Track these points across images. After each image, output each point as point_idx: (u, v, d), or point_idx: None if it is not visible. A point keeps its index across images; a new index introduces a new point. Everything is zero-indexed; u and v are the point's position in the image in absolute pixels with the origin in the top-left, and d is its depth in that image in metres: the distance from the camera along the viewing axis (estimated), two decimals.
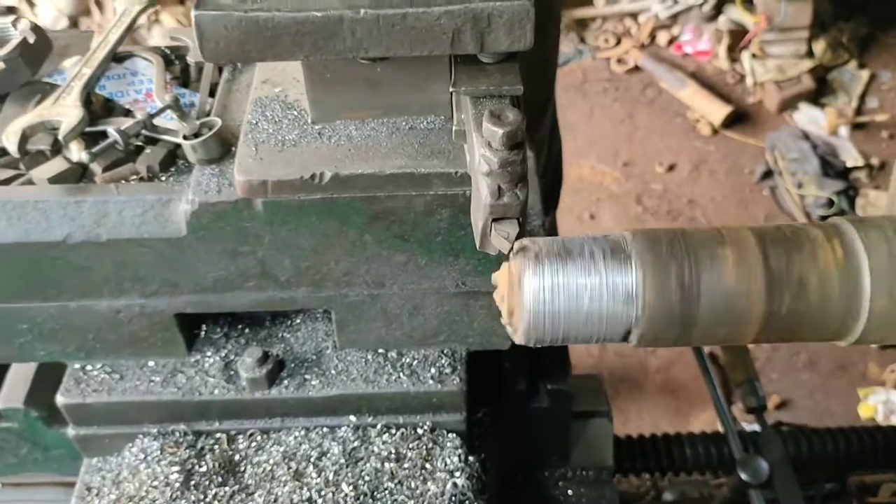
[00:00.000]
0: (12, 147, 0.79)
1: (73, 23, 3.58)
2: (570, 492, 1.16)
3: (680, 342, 0.55)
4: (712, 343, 0.56)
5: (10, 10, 0.95)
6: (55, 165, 0.82)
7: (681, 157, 3.31)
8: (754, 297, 0.52)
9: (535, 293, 0.55)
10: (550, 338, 0.56)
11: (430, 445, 0.93)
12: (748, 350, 1.45)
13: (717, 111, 3.34)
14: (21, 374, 1.07)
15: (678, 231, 0.55)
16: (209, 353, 0.94)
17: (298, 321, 0.97)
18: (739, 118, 3.40)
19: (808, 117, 3.33)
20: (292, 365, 0.93)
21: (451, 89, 0.70)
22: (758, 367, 2.58)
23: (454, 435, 0.94)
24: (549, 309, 0.55)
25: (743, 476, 1.23)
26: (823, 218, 2.85)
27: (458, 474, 0.90)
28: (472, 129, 0.66)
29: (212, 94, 0.90)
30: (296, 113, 0.81)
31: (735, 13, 3.49)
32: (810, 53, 3.40)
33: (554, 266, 0.55)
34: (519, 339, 0.57)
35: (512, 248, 0.59)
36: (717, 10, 3.56)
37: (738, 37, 3.49)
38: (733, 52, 3.53)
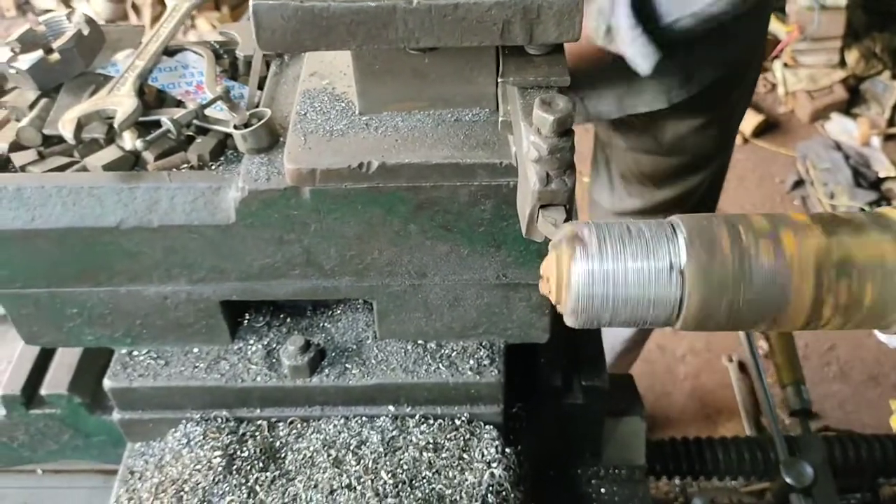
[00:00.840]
0: (68, 135, 0.82)
1: None
2: (602, 490, 1.16)
3: (726, 327, 0.56)
4: (758, 329, 0.56)
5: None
6: (109, 153, 0.84)
7: None
8: (805, 284, 0.53)
9: (583, 276, 0.56)
10: (597, 321, 0.57)
11: (468, 436, 0.94)
12: (797, 353, 1.44)
13: (749, 120, 3.32)
14: (65, 361, 1.09)
15: (727, 216, 0.56)
16: (252, 341, 0.96)
17: (339, 311, 0.99)
18: (770, 127, 3.39)
19: (841, 127, 3.31)
20: (333, 354, 0.95)
21: (499, 80, 0.71)
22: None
23: (491, 427, 0.95)
24: (596, 291, 0.56)
25: (787, 479, 1.23)
26: None
27: (495, 465, 0.91)
28: (521, 118, 0.67)
29: (260, 87, 0.92)
30: (343, 104, 0.82)
31: None
32: (843, 63, 3.38)
33: (601, 249, 0.56)
34: (569, 323, 0.58)
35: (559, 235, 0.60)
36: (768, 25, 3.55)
37: (770, 46, 3.48)
38: (765, 60, 3.52)
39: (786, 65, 3.43)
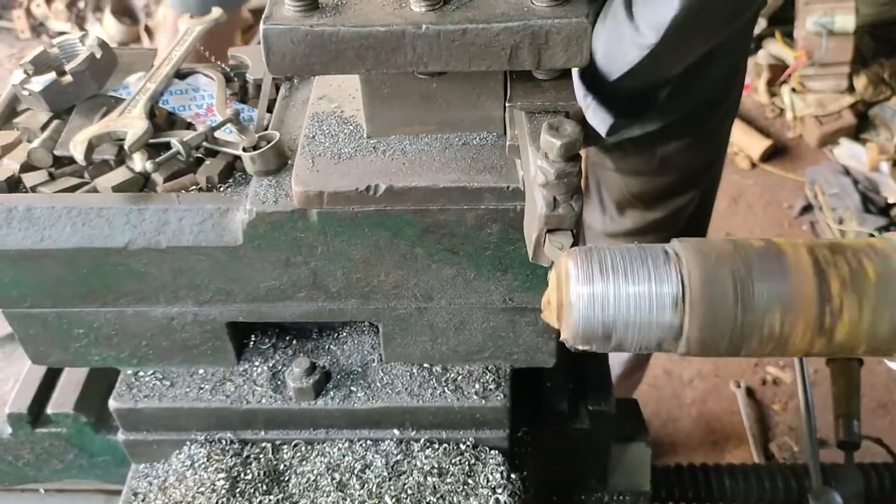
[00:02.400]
0: (79, 156, 0.82)
1: None
2: None
3: (728, 353, 0.56)
4: (761, 355, 0.56)
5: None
6: (119, 174, 0.85)
7: (719, 189, 3.30)
8: (806, 310, 0.52)
9: (584, 300, 0.56)
10: (601, 344, 0.57)
11: (473, 461, 0.93)
12: (859, 386, 1.43)
13: (757, 145, 3.32)
14: (72, 380, 1.09)
15: (728, 241, 0.56)
16: (257, 363, 0.96)
17: (345, 334, 0.99)
18: (779, 152, 3.38)
19: (849, 153, 3.30)
20: (338, 377, 0.95)
21: (506, 104, 0.71)
22: (796, 405, 2.54)
23: (496, 452, 0.94)
24: (596, 316, 0.56)
25: None
26: None
27: (500, 491, 0.90)
28: (528, 142, 0.67)
29: (269, 110, 0.93)
30: (351, 128, 0.83)
31: (775, 48, 3.48)
32: (851, 89, 3.38)
33: (602, 274, 0.56)
34: (571, 346, 0.57)
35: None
36: (757, 45, 3.56)
37: (778, 71, 3.48)
38: (773, 86, 3.52)
39: (794, 90, 3.43)
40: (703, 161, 1.59)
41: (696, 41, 1.04)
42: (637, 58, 1.01)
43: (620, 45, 1.03)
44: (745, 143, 3.36)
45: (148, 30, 3.71)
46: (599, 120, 1.16)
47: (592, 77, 1.11)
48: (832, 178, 3.14)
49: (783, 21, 3.41)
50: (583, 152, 1.60)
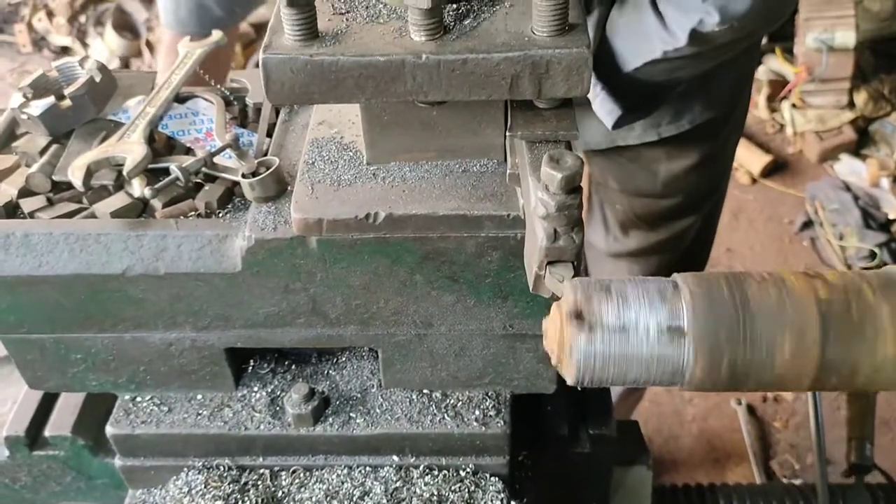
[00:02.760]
0: (77, 181, 0.82)
1: (125, 64, 3.70)
2: None
3: (731, 388, 0.55)
4: (765, 390, 0.56)
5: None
6: (117, 200, 0.84)
7: None
8: (810, 346, 0.52)
9: (585, 335, 0.55)
10: (600, 379, 0.56)
11: (473, 488, 0.92)
12: (874, 409, 1.42)
13: (757, 160, 3.32)
14: (70, 403, 1.09)
15: (731, 275, 0.55)
16: (256, 389, 0.95)
17: (344, 359, 0.98)
18: (779, 168, 3.38)
19: (849, 168, 3.30)
20: (337, 402, 0.94)
21: (507, 133, 0.71)
22: (797, 423, 2.53)
23: (496, 479, 0.94)
24: (598, 351, 0.55)
25: None
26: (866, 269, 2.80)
27: None
28: (529, 172, 0.67)
29: (269, 134, 0.93)
30: (351, 154, 0.82)
31: (775, 63, 3.49)
32: (851, 104, 3.38)
33: (604, 308, 0.55)
34: (570, 381, 0.57)
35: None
36: (758, 61, 3.57)
37: (778, 87, 3.49)
38: (773, 101, 3.53)
39: (794, 106, 3.44)
40: (707, 184, 1.58)
41: (722, 50, 1.04)
42: (660, 54, 1.01)
43: (644, 38, 1.03)
44: (745, 158, 3.36)
45: (149, 44, 3.72)
46: (606, 111, 1.15)
47: (606, 66, 1.10)
48: (832, 193, 3.13)
49: (783, 37, 3.41)
50: (586, 173, 1.61)
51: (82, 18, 3.88)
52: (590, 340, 0.54)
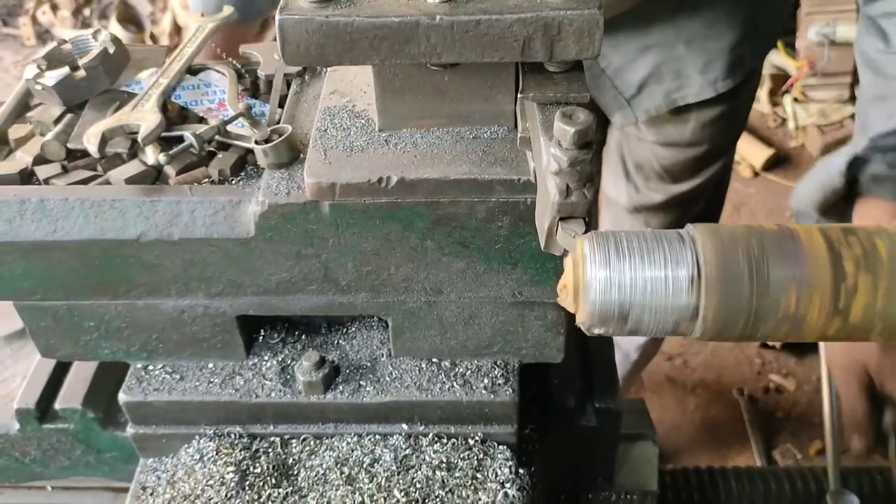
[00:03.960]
0: (93, 148, 0.83)
1: None
2: None
3: (743, 335, 0.56)
4: (776, 338, 0.57)
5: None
6: (132, 167, 0.85)
7: None
8: (822, 289, 0.53)
9: (600, 285, 0.56)
10: (617, 329, 0.57)
11: (481, 456, 0.93)
12: None
13: (759, 154, 3.34)
14: (80, 377, 1.10)
15: (742, 225, 0.56)
16: (267, 357, 0.96)
17: (353, 329, 0.99)
18: (780, 161, 3.40)
19: None
20: (347, 371, 0.95)
21: (519, 96, 0.72)
22: (799, 413, 2.54)
23: (505, 447, 0.94)
24: (613, 300, 0.56)
25: None
26: None
27: (508, 485, 0.90)
28: (541, 133, 0.68)
29: (280, 105, 0.94)
30: (363, 121, 0.83)
31: (777, 58, 3.50)
32: (853, 99, 3.40)
33: (618, 258, 0.56)
34: (587, 331, 0.58)
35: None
36: None
37: (779, 81, 3.50)
38: (775, 95, 3.54)
39: (796, 100, 3.45)
40: (731, 132, 1.66)
41: None
42: None
43: None
44: (747, 152, 3.38)
45: (153, 38, 3.73)
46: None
47: None
48: None
49: (785, 31, 3.43)
50: (616, 129, 1.66)
51: (86, 12, 3.90)
52: (606, 286, 0.55)
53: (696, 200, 1.76)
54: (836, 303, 0.54)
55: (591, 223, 0.64)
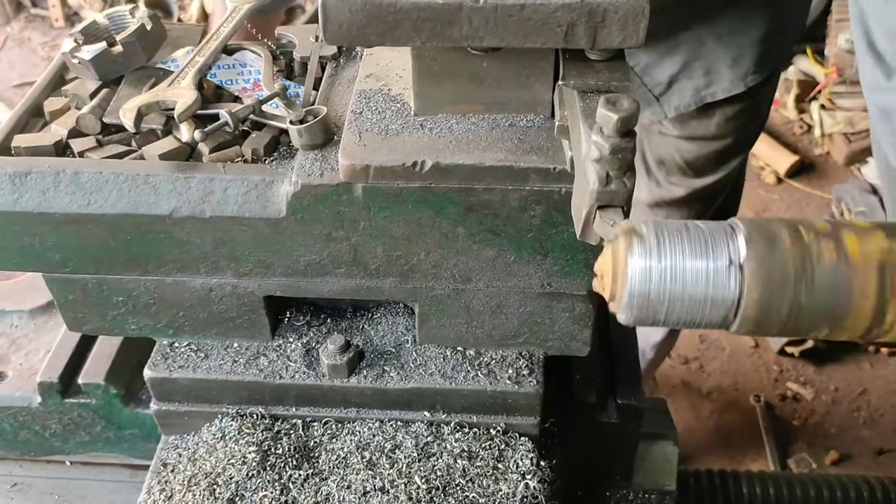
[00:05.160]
0: (129, 123, 0.83)
1: None
2: None
3: (784, 330, 0.55)
4: (818, 335, 0.56)
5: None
6: (166, 143, 0.85)
7: (743, 203, 3.29)
8: (868, 284, 0.52)
9: (640, 273, 0.55)
10: (653, 319, 0.57)
11: (503, 446, 0.93)
12: None
13: (783, 160, 3.31)
14: (103, 352, 1.10)
15: (789, 219, 0.56)
16: (292, 339, 0.96)
17: (379, 315, 0.99)
18: (805, 169, 3.37)
19: (877, 172, 3.28)
20: (372, 356, 0.95)
21: (559, 83, 0.72)
22: (816, 422, 2.53)
23: (526, 438, 0.94)
24: (653, 289, 0.55)
25: None
26: None
27: (529, 477, 0.90)
28: (581, 120, 0.67)
29: (315, 88, 0.93)
30: (399, 105, 0.83)
31: (805, 64, 3.47)
32: None
33: (659, 247, 0.55)
34: (621, 317, 0.57)
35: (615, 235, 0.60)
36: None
37: (807, 87, 3.47)
38: (802, 102, 3.51)
39: (823, 107, 3.41)
40: (753, 125, 1.65)
41: None
42: None
43: None
44: (771, 158, 3.35)
45: (181, 22, 3.74)
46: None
47: None
48: (859, 196, 3.11)
49: (814, 38, 3.39)
50: (638, 126, 1.67)
51: None
52: (645, 275, 0.54)
53: (716, 195, 1.76)
54: (881, 307, 0.53)
55: (629, 213, 0.63)
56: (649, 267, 0.55)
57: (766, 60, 1.48)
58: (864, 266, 0.52)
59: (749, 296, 0.54)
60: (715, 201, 1.78)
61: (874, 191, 3.14)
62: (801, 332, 0.56)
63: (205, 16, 3.62)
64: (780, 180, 3.34)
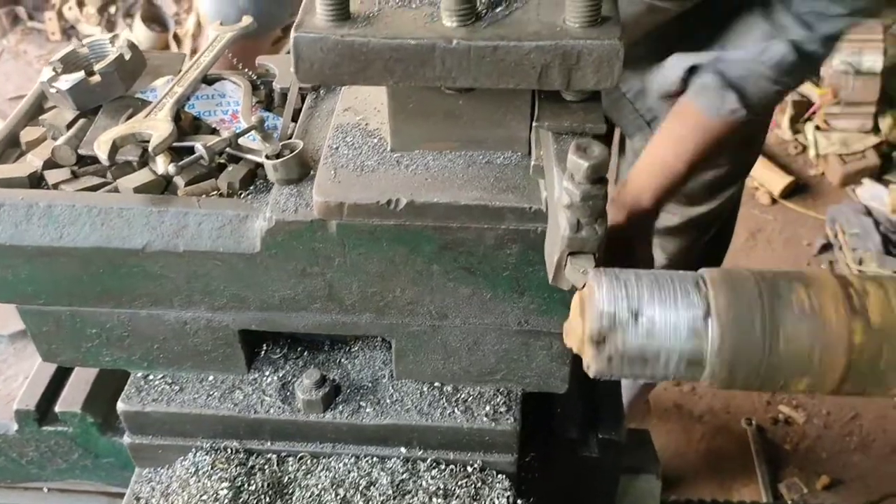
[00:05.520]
0: (103, 156, 0.82)
1: None
2: None
3: (755, 386, 0.54)
4: (790, 389, 0.55)
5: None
6: (141, 176, 0.85)
7: (737, 224, 3.29)
8: (837, 344, 0.51)
9: (609, 326, 0.55)
10: (622, 372, 0.56)
11: (479, 484, 0.92)
12: None
13: (778, 180, 3.30)
14: (81, 380, 1.09)
15: (757, 271, 0.55)
16: (268, 373, 0.95)
17: (356, 348, 0.98)
18: (800, 189, 3.36)
19: (871, 193, 3.27)
20: (348, 391, 0.94)
21: (534, 124, 0.71)
22: (807, 446, 2.51)
23: (503, 476, 0.93)
24: (620, 341, 0.55)
25: None
26: None
27: None
28: (554, 163, 0.67)
29: (294, 119, 0.93)
30: (375, 141, 0.82)
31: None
32: (876, 129, 3.36)
33: (628, 297, 0.55)
34: (591, 373, 0.56)
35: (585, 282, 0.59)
36: None
37: (802, 108, 3.47)
38: (797, 122, 3.51)
39: (818, 128, 3.41)
40: (748, 153, 1.64)
41: None
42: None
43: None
44: (766, 178, 3.34)
45: (177, 38, 3.75)
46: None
47: None
48: (853, 217, 3.11)
49: None
50: (632, 153, 1.66)
51: (112, 9, 3.92)
52: (614, 327, 0.53)
53: (711, 223, 1.74)
54: (850, 355, 0.53)
55: (600, 259, 0.62)
56: (617, 318, 0.54)
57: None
58: (834, 321, 0.51)
59: (717, 347, 0.53)
60: (709, 230, 1.76)
61: (869, 212, 3.14)
62: (772, 386, 0.55)
63: (201, 31, 3.62)
64: (774, 201, 3.33)
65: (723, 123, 1.21)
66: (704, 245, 1.79)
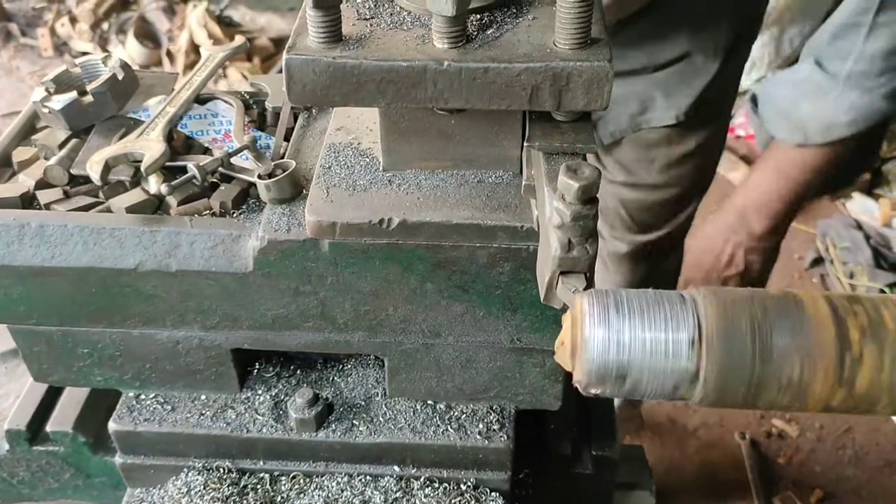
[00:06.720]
0: (95, 175, 0.83)
1: None
2: None
3: (745, 402, 0.55)
4: (779, 407, 0.55)
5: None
6: (133, 196, 0.85)
7: None
8: (826, 357, 0.51)
9: (599, 343, 0.55)
10: (613, 390, 0.56)
11: (473, 502, 0.92)
12: None
13: None
14: (72, 400, 1.09)
15: (748, 291, 0.55)
16: (260, 392, 0.95)
17: (349, 367, 0.98)
18: None
19: (862, 207, 3.30)
20: (341, 409, 0.93)
21: (525, 144, 0.71)
22: (801, 460, 2.51)
23: (497, 494, 0.93)
24: (611, 359, 0.55)
25: None
26: None
27: None
28: (545, 183, 0.67)
29: (286, 138, 0.93)
30: (368, 160, 0.83)
31: None
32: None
33: (619, 317, 0.55)
34: (583, 391, 0.56)
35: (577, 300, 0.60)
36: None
37: None
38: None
39: None
40: (700, 176, 1.62)
41: None
42: None
43: None
44: None
45: (170, 54, 3.76)
46: None
47: None
48: (844, 231, 3.13)
49: None
50: None
51: (105, 26, 3.93)
52: (604, 345, 0.53)
53: (661, 253, 1.72)
54: (841, 372, 0.53)
55: (592, 279, 0.63)
56: (607, 338, 0.54)
57: (705, 97, 1.46)
58: (822, 339, 0.52)
59: (708, 367, 0.53)
60: (660, 263, 1.74)
61: (859, 226, 3.15)
62: (765, 404, 0.55)
63: (194, 48, 3.63)
64: None
65: None
66: (661, 280, 1.77)
